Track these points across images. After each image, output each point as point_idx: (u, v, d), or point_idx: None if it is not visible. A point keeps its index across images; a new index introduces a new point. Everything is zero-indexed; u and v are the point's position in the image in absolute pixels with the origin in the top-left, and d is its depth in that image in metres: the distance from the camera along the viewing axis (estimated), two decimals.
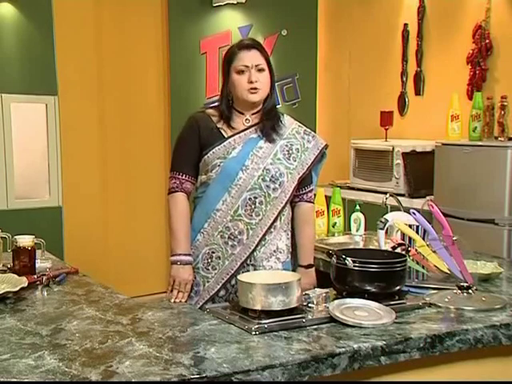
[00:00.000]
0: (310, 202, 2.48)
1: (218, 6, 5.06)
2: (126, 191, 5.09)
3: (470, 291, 1.99)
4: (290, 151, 2.39)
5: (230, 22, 5.17)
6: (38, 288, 2.18)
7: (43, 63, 4.44)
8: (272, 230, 2.36)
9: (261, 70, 2.34)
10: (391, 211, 2.46)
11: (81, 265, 2.53)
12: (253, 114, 2.39)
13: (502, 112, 3.87)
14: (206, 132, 2.35)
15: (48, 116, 4.49)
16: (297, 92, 5.41)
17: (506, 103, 3.87)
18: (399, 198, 2.96)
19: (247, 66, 2.32)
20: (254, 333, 1.67)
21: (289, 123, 2.45)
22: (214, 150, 2.33)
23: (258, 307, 1.74)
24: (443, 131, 4.18)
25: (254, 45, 2.36)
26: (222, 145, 2.34)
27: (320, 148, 2.51)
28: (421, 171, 4.24)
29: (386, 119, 4.76)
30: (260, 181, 2.32)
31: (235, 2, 5.05)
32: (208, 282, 2.35)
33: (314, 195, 2.54)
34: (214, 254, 2.34)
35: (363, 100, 5.29)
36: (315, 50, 5.50)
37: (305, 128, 2.51)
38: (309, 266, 2.44)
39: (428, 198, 3.96)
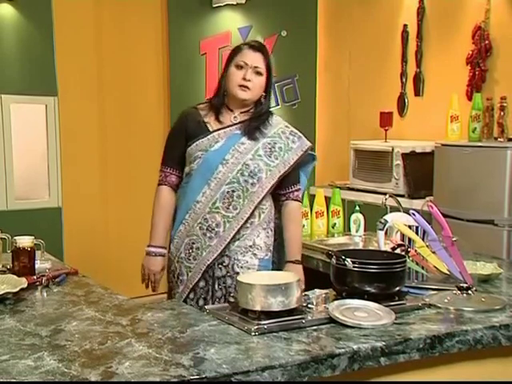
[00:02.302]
0: (296, 200, 2.54)
1: (218, 6, 5.06)
2: (126, 192, 5.09)
3: (470, 292, 1.99)
4: (273, 149, 2.46)
5: (230, 23, 5.17)
6: (37, 289, 2.18)
7: (43, 64, 4.44)
8: (249, 225, 2.44)
9: (258, 73, 2.42)
10: (391, 212, 2.46)
11: (80, 266, 2.53)
12: (242, 113, 2.47)
13: (502, 113, 3.87)
14: (192, 125, 2.46)
15: (48, 117, 4.49)
16: (296, 93, 5.41)
17: (505, 104, 3.88)
18: (399, 198, 2.96)
19: (246, 64, 2.40)
20: (253, 333, 1.67)
21: (276, 123, 2.53)
22: (197, 143, 2.43)
23: (258, 308, 1.74)
24: (443, 132, 4.19)
25: (261, 48, 2.46)
26: (205, 138, 2.43)
27: (304, 149, 2.56)
28: (420, 172, 4.24)
29: (386, 120, 4.76)
30: (239, 175, 2.41)
31: (235, 3, 5.05)
32: (190, 271, 2.46)
33: (303, 195, 2.63)
34: (194, 245, 2.45)
35: (363, 101, 5.29)
36: (315, 50, 5.50)
37: (292, 129, 2.58)
38: (296, 262, 2.50)
39: (427, 198, 3.96)
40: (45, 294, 2.14)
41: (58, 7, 4.49)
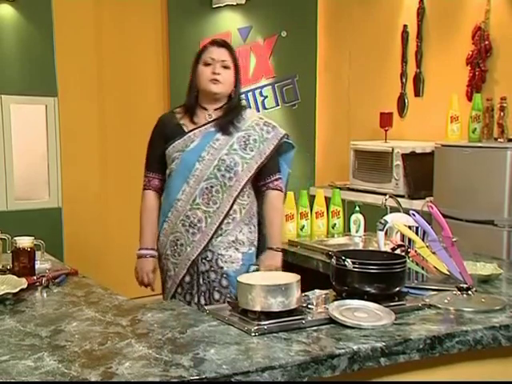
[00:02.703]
0: (276, 189, 2.62)
1: (218, 7, 5.06)
2: (126, 192, 5.07)
3: (470, 292, 1.99)
4: (247, 142, 2.54)
5: (230, 23, 5.17)
6: (37, 289, 2.18)
7: (43, 64, 4.44)
8: (230, 220, 2.52)
9: (226, 67, 2.54)
10: (391, 212, 2.46)
11: (80, 266, 2.53)
12: (215, 110, 2.57)
13: (502, 113, 3.87)
14: (169, 129, 2.57)
15: (48, 117, 4.49)
16: (296, 93, 5.41)
17: (505, 104, 3.87)
18: (399, 199, 2.96)
19: (213, 59, 2.53)
20: (253, 334, 1.67)
21: (250, 116, 2.62)
22: (174, 144, 2.54)
23: (258, 308, 1.74)
24: (443, 132, 4.19)
25: (225, 44, 2.59)
26: (181, 139, 2.54)
27: (279, 138, 2.62)
28: (420, 172, 4.24)
29: (386, 120, 4.76)
30: (216, 171, 2.50)
31: (235, 3, 5.06)
32: (176, 267, 2.56)
33: (287, 184, 2.71)
34: (178, 242, 2.55)
35: (363, 101, 5.29)
36: (315, 51, 5.50)
37: (266, 120, 2.67)
38: (276, 249, 2.61)
39: (427, 199, 3.96)
40: (45, 295, 2.14)
41: (57, 7, 4.49)
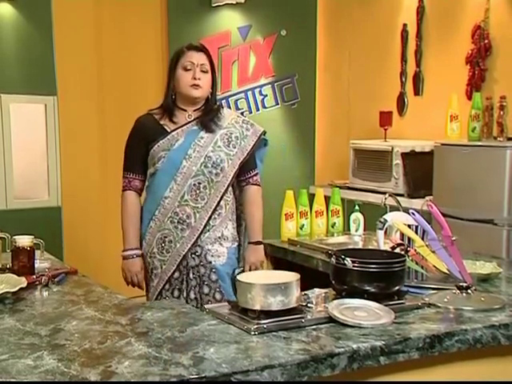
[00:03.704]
0: (255, 184, 2.73)
1: (217, 6, 5.06)
2: None
3: (469, 291, 1.99)
4: (230, 139, 2.63)
5: (230, 22, 5.17)
6: (37, 288, 2.18)
7: (42, 63, 4.44)
8: (217, 216, 2.60)
9: (204, 71, 2.61)
10: (390, 211, 2.46)
11: (80, 265, 2.53)
12: (194, 110, 2.64)
13: (501, 112, 3.87)
14: (150, 130, 2.62)
15: (47, 116, 4.49)
16: (296, 92, 5.41)
17: (505, 103, 3.87)
18: (398, 198, 2.96)
19: (193, 63, 2.60)
20: (253, 333, 1.67)
21: (228, 114, 2.70)
22: (158, 144, 2.59)
23: (257, 307, 1.74)
24: (442, 131, 4.18)
25: (202, 48, 2.66)
26: (165, 138, 2.59)
27: (258, 134, 2.72)
28: (420, 171, 4.24)
29: (386, 119, 4.76)
30: (203, 167, 2.57)
31: (234, 2, 5.05)
32: (165, 264, 2.60)
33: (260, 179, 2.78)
34: (166, 239, 2.60)
35: (362, 100, 5.29)
36: (314, 50, 5.49)
37: (243, 118, 2.78)
38: (257, 243, 2.71)
39: (427, 198, 3.96)
40: (44, 294, 2.14)
41: (57, 7, 4.48)
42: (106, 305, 1.98)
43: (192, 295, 2.61)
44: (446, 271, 2.14)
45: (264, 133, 2.75)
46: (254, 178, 2.73)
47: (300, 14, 5.38)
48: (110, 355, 1.52)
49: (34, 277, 2.22)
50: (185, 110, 2.64)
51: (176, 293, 2.63)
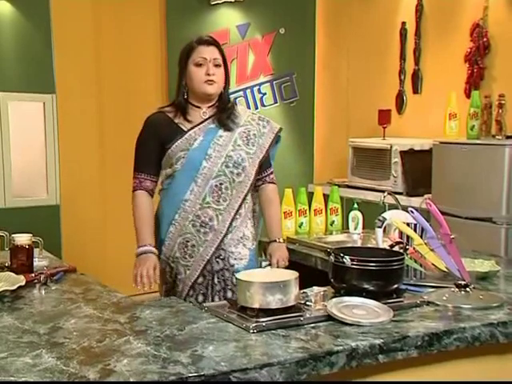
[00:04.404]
0: (272, 182, 2.64)
1: (216, 4, 5.06)
2: (125, 189, 5.03)
3: (468, 289, 1.99)
4: (249, 137, 2.53)
5: (228, 20, 5.16)
6: (35, 286, 2.18)
7: (41, 61, 4.43)
8: (238, 216, 2.50)
9: (217, 66, 2.48)
10: (389, 209, 2.46)
11: (79, 263, 2.53)
12: (209, 107, 2.52)
13: (500, 110, 3.87)
14: (165, 129, 2.49)
15: (46, 114, 4.49)
16: (295, 90, 5.41)
17: (503, 101, 3.88)
18: (397, 196, 2.96)
19: (205, 59, 2.47)
20: (251, 331, 1.67)
21: (243, 111, 2.60)
22: (176, 144, 2.46)
23: (256, 305, 1.74)
24: (441, 129, 4.19)
25: (213, 42, 2.52)
26: (183, 138, 2.47)
27: (275, 132, 2.64)
28: (419, 170, 4.25)
29: (384, 117, 4.76)
30: (224, 167, 2.46)
31: (233, 0, 5.06)
32: (188, 269, 2.49)
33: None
34: (188, 243, 2.48)
35: (361, 98, 5.29)
36: (313, 48, 5.49)
37: (258, 115, 2.67)
38: (279, 241, 2.61)
39: (426, 196, 3.97)
40: (43, 292, 2.14)
41: (55, 4, 4.48)
42: (104, 303, 1.98)
43: (217, 300, 2.48)
44: (445, 269, 2.15)
45: (280, 130, 2.66)
46: (271, 176, 2.63)
47: (299, 12, 5.38)
48: (108, 353, 1.52)
49: (33, 275, 2.22)
50: (199, 108, 2.51)
51: (200, 298, 2.51)
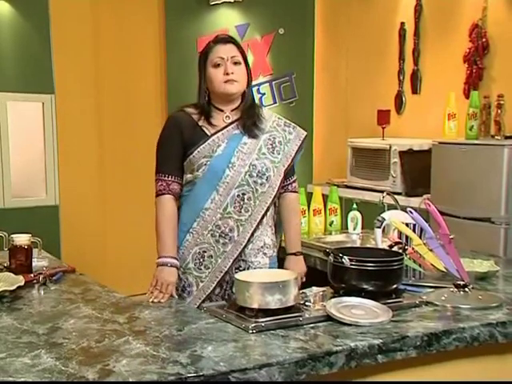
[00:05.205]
0: (294, 191, 2.52)
1: (215, 4, 5.06)
2: (124, 190, 5.08)
3: (467, 289, 1.99)
4: (274, 144, 2.41)
5: (227, 21, 5.16)
6: (34, 287, 2.17)
7: (40, 61, 4.43)
8: (260, 226, 2.37)
9: (237, 63, 2.34)
10: (388, 210, 2.46)
11: (78, 263, 2.53)
12: (232, 111, 2.38)
13: (499, 111, 3.88)
14: (188, 131, 2.34)
15: (45, 114, 4.49)
16: (294, 90, 5.41)
17: (502, 102, 3.88)
18: (396, 196, 2.96)
19: (222, 58, 2.33)
20: (251, 331, 1.67)
21: (268, 116, 2.46)
22: (199, 149, 2.32)
23: (255, 306, 1.74)
24: (440, 130, 4.19)
25: (230, 39, 2.40)
26: (206, 143, 2.32)
27: (302, 138, 2.53)
28: (418, 170, 4.25)
29: (383, 118, 4.76)
30: (247, 177, 2.33)
31: (232, 1, 5.05)
32: (202, 281, 2.34)
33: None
34: (205, 254, 2.33)
35: (360, 98, 5.30)
36: (312, 48, 5.49)
37: (285, 120, 2.53)
38: (298, 254, 2.47)
39: (425, 196, 3.97)
40: (42, 292, 2.14)
41: (54, 4, 4.48)
42: (103, 303, 1.97)
43: None
44: (444, 269, 2.15)
45: (306, 136, 2.55)
46: (293, 184, 2.50)
47: (298, 12, 5.38)
48: (107, 354, 1.52)
49: (32, 275, 2.21)
50: (221, 111, 2.37)
51: None
